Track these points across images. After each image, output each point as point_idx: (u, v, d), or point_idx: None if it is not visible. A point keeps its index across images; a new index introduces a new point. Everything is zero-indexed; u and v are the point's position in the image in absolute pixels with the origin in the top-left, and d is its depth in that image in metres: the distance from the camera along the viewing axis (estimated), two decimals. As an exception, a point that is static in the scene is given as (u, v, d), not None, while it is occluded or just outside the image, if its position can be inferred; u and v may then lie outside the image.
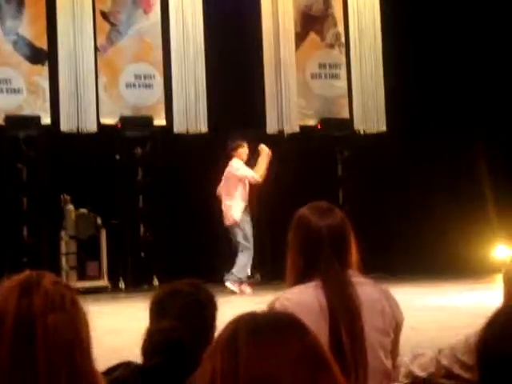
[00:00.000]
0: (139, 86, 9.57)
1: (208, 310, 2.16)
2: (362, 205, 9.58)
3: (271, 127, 9.75)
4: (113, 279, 9.19)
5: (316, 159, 9.65)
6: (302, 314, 1.54)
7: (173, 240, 9.55)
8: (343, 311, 2.21)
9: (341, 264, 2.27)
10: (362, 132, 9.91)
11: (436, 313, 6.51)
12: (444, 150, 9.75)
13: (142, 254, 9.51)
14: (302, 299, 2.21)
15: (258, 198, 8.84)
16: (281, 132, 9.73)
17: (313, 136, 9.81)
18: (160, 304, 2.15)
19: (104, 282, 9.07)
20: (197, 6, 9.66)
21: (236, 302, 7.29)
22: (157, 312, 2.15)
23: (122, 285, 9.28)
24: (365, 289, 2.29)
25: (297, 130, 9.77)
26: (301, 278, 2.28)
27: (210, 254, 9.39)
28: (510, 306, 1.86)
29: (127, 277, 9.33)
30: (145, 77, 9.57)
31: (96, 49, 9.41)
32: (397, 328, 2.33)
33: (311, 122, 9.89)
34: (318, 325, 2.11)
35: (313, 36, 9.97)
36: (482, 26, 9.76)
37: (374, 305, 2.28)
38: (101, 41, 9.44)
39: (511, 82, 9.73)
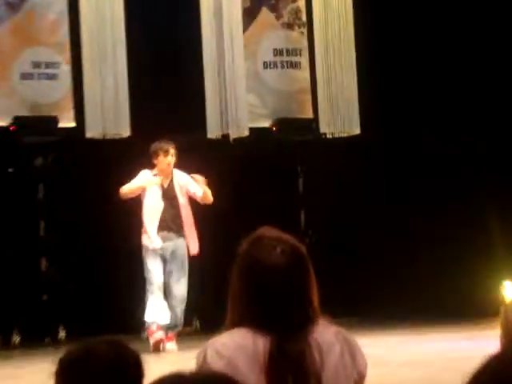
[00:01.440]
0: (39, 76, 8.02)
1: (131, 376, 1.92)
2: (331, 230, 8.55)
3: (212, 130, 8.28)
4: (4, 332, 7.73)
5: (271, 171, 8.42)
6: (242, 364, 1.95)
7: (85, 278, 8.06)
8: (291, 361, 2.08)
9: (292, 306, 2.13)
10: (329, 136, 8.58)
11: (423, 368, 5.66)
12: (435, 158, 8.48)
13: (45, 297, 8.02)
14: (241, 345, 2.10)
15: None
16: (225, 136, 8.32)
17: (266, 141, 8.52)
18: (69, 370, 1.91)
19: None
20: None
21: (169, 358, 6.61)
22: (65, 381, 1.92)
23: (16, 339, 7.77)
24: (317, 331, 2.14)
25: (246, 133, 8.35)
26: (243, 320, 2.14)
27: (134, 295, 7.81)
28: (504, 352, 1.53)
29: (23, 328, 7.81)
30: (46, 65, 8.04)
31: (-21, 28, 7.80)
32: (360, 380, 2.17)
33: (265, 124, 8.55)
34: (258, 377, 2.06)
35: (266, 13, 8.55)
36: (469, 10, 8.57)
37: (329, 350, 2.13)
38: (-14, 17, 7.85)
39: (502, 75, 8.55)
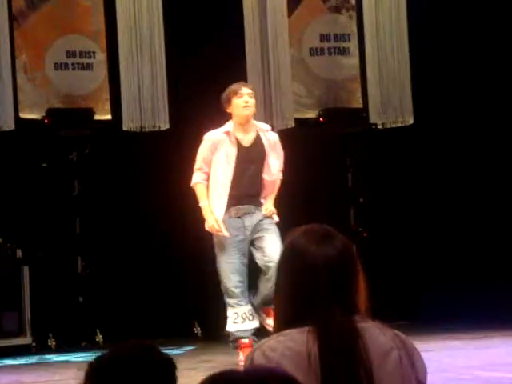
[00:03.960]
0: (73, 66, 7.85)
1: (163, 381, 1.86)
2: (383, 226, 8.20)
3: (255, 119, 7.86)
4: (39, 335, 7.51)
5: (317, 164, 8.15)
6: (290, 369, 1.83)
7: (124, 278, 7.81)
8: (343, 366, 2.00)
9: (342, 307, 2.06)
10: (380, 126, 8.29)
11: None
12: (497, 149, 8.14)
13: (80, 299, 7.81)
14: (290, 348, 2.03)
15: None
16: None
17: (313, 133, 8.25)
18: (98, 375, 1.87)
19: (26, 340, 7.49)
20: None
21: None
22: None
23: (51, 343, 7.55)
24: (372, 335, 2.05)
25: (291, 124, 8.10)
26: (292, 322, 2.08)
27: (176, 297, 7.78)
28: None
29: (59, 332, 7.59)
30: (81, 54, 7.86)
31: (11, 16, 7.66)
32: None
33: (311, 115, 8.31)
34: (307, 378, 2.00)
35: None
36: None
37: (385, 356, 2.04)
38: (18, 4, 7.71)
39: None
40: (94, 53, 7.84)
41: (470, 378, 5.22)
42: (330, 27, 8.31)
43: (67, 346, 7.45)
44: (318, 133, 8.22)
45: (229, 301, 6.08)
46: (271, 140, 6.11)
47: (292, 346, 2.05)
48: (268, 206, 6.08)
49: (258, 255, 6.04)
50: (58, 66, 7.77)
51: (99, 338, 7.55)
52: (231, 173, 5.94)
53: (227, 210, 5.98)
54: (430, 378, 2.13)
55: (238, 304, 6.03)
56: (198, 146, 8.00)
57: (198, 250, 7.94)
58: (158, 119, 7.82)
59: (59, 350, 7.42)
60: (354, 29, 8.31)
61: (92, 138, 7.83)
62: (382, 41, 8.20)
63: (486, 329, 7.01)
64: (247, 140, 6.04)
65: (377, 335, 2.09)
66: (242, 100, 5.96)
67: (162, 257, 7.83)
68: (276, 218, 6.08)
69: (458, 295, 7.56)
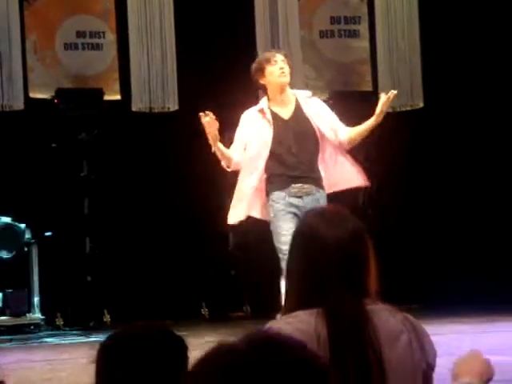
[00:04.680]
0: (83, 47, 7.83)
1: (175, 361, 1.84)
2: (391, 209, 8.06)
3: None
4: (48, 314, 7.50)
5: None
6: None
7: (132, 259, 7.79)
8: (352, 348, 1.98)
9: (353, 289, 2.04)
10: (390, 109, 7.95)
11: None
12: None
13: (89, 279, 7.76)
14: (299, 330, 1.99)
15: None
16: None
17: None
18: (110, 354, 1.87)
19: (35, 318, 7.48)
20: None
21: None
22: (105, 366, 1.87)
23: (60, 322, 7.55)
24: (382, 318, 2.03)
25: None
26: (302, 304, 2.06)
27: (184, 279, 7.70)
28: None
29: (68, 311, 7.59)
30: (91, 34, 7.83)
31: (21, -4, 7.64)
32: (428, 370, 2.06)
33: (321, 96, 7.89)
34: None
35: None
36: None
37: (395, 339, 2.02)
38: (28, -16, 7.69)
39: None
40: (103, 33, 7.81)
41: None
42: (340, 10, 8.23)
43: (75, 325, 7.44)
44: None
45: None
46: (314, 106, 5.34)
47: (301, 327, 2.04)
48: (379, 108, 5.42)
49: None
50: (68, 46, 7.76)
51: (107, 318, 7.55)
52: (266, 155, 5.21)
53: (281, 189, 5.16)
54: (438, 362, 2.10)
55: None
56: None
57: (208, 231, 7.96)
58: (167, 100, 7.79)
59: (67, 328, 7.41)
60: (365, 11, 8.21)
61: (101, 118, 7.78)
62: (392, 24, 8.11)
63: (494, 313, 6.98)
64: (286, 113, 5.30)
65: (387, 318, 2.07)
66: (277, 66, 5.22)
67: (170, 238, 7.80)
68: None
69: (465, 281, 7.53)
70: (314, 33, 8.23)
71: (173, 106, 7.79)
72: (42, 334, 7.27)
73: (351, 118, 8.11)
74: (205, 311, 7.79)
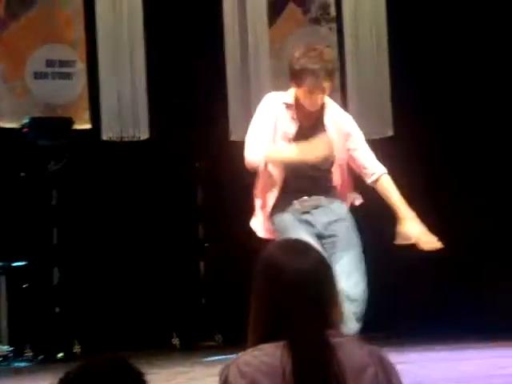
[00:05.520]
0: (53, 76, 7.88)
1: None
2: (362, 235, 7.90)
3: (236, 131, 7.93)
4: (16, 345, 7.45)
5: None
6: (263, 381, 1.93)
7: (103, 289, 7.81)
8: (317, 382, 1.99)
9: (316, 321, 2.05)
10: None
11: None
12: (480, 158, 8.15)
13: (57, 310, 7.75)
14: (265, 363, 2.02)
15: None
16: None
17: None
18: None
19: (3, 349, 7.45)
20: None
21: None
22: None
23: (28, 352, 7.50)
24: (347, 350, 2.03)
25: None
26: (267, 337, 2.07)
27: (160, 308, 7.78)
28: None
29: (36, 342, 7.53)
30: (61, 63, 7.89)
31: (-9, 25, 7.73)
32: None
33: None
34: None
35: (292, 8, 8.35)
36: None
37: (361, 371, 2.03)
38: (-3, 13, 7.78)
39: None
40: (73, 62, 7.86)
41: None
42: (310, 39, 8.29)
43: (44, 356, 7.38)
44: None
45: None
46: (337, 118, 4.68)
47: (267, 360, 2.05)
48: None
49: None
50: (38, 75, 7.79)
51: (77, 348, 7.51)
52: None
53: (290, 203, 4.56)
54: None
55: None
56: (177, 156, 8.07)
57: (177, 260, 8.01)
58: (137, 129, 7.83)
59: (36, 360, 7.35)
60: (335, 40, 8.31)
61: (71, 147, 7.79)
62: (361, 53, 8.21)
63: (462, 341, 7.04)
64: (310, 116, 4.63)
65: (352, 350, 2.08)
66: (307, 95, 4.50)
67: (140, 267, 7.81)
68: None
69: (430, 307, 7.58)
70: (284, 62, 8.33)
71: (143, 134, 7.83)
72: (10, 364, 7.25)
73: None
74: (175, 341, 7.79)
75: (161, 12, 7.93)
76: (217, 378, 2.06)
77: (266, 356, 2.05)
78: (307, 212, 4.54)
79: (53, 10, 7.80)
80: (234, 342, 6.51)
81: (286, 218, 4.54)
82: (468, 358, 6.42)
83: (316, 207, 4.56)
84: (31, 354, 7.43)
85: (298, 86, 4.50)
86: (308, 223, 4.53)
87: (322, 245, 4.44)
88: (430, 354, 6.66)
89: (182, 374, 6.42)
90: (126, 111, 7.80)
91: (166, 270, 7.81)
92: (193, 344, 7.73)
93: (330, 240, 4.52)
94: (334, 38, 8.34)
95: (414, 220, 4.54)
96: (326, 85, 4.46)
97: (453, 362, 6.29)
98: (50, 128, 7.79)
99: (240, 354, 2.09)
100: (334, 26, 8.33)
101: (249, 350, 2.10)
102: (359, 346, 2.10)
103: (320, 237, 4.51)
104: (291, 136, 4.52)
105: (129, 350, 6.31)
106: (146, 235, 7.82)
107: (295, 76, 4.50)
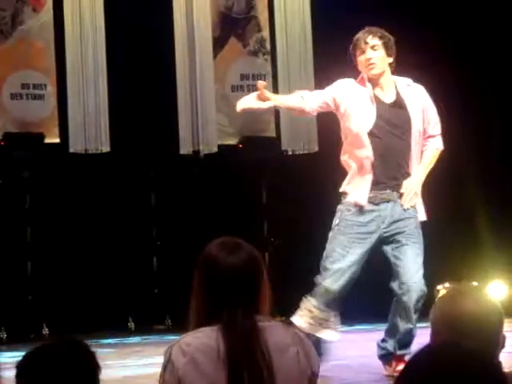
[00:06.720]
0: (27, 97, 8.59)
1: (85, 374, 1.92)
2: (294, 239, 8.77)
3: (185, 147, 8.85)
4: None
5: (237, 184, 8.89)
6: (202, 361, 2.11)
7: (68, 279, 8.59)
8: (246, 359, 2.16)
9: (245, 308, 2.23)
10: (290, 152, 9.13)
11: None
12: None
13: (30, 297, 8.52)
14: (203, 343, 2.18)
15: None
16: (196, 152, 8.89)
17: (233, 157, 9.01)
18: (25, 372, 1.94)
19: None
20: (97, 6, 8.63)
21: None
22: (23, 382, 1.95)
23: (3, 334, 8.30)
24: (273, 333, 2.23)
25: (215, 150, 8.93)
26: (205, 321, 2.25)
27: (118, 296, 8.51)
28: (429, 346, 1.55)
29: (10, 325, 8.30)
30: (34, 86, 8.60)
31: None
32: (313, 377, 2.27)
33: (232, 141, 9.10)
34: (218, 374, 2.14)
35: (234, 42, 9.17)
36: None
37: (284, 350, 2.22)
38: (-21, 44, 8.47)
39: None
40: (45, 85, 8.55)
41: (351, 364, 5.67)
42: (248, 68, 9.09)
43: (17, 337, 8.02)
44: (239, 157, 8.97)
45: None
46: (417, 95, 4.42)
47: (205, 341, 2.20)
48: (409, 183, 4.39)
49: (393, 273, 4.47)
50: (14, 96, 8.47)
51: (45, 330, 8.27)
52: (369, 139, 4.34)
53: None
54: (321, 367, 2.39)
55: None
56: (134, 166, 8.90)
57: (134, 256, 8.76)
58: (100, 143, 8.60)
59: (10, 341, 8.04)
60: (269, 70, 9.13)
61: (42, 158, 8.57)
62: (291, 81, 9.03)
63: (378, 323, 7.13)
64: (387, 97, 4.45)
65: (277, 333, 2.25)
66: (364, 57, 4.53)
67: (103, 262, 8.58)
68: (420, 211, 4.45)
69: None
70: (227, 87, 9.10)
71: (105, 147, 8.60)
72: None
73: (259, 159, 9.03)
74: (131, 324, 8.63)
75: (122, 45, 8.76)
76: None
77: (204, 337, 2.21)
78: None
79: (28, 42, 8.54)
80: (182, 325, 7.40)
81: None
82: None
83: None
84: (5, 335, 8.25)
85: (354, 58, 4.63)
86: None
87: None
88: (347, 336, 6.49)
89: (135, 352, 7.26)
90: (90, 128, 8.58)
91: (124, 264, 8.62)
92: (146, 327, 8.57)
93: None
94: (268, 67, 9.21)
95: (414, 179, 4.57)
96: (375, 43, 4.50)
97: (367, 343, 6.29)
98: (24, 142, 8.57)
99: (182, 336, 2.27)
100: (268, 57, 9.16)
101: (190, 332, 2.28)
102: (284, 329, 2.29)
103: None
104: (373, 115, 4.44)
105: (89, 332, 7.20)
106: (107, 235, 8.62)
107: (351, 55, 4.66)
